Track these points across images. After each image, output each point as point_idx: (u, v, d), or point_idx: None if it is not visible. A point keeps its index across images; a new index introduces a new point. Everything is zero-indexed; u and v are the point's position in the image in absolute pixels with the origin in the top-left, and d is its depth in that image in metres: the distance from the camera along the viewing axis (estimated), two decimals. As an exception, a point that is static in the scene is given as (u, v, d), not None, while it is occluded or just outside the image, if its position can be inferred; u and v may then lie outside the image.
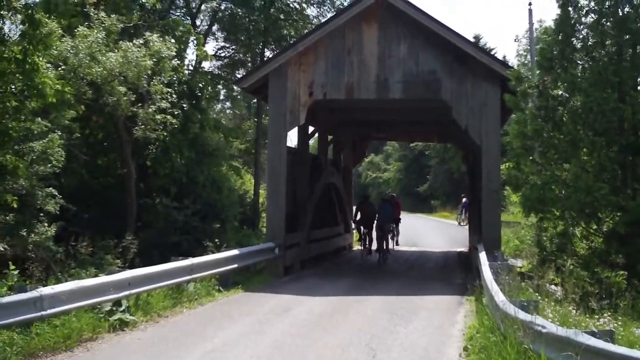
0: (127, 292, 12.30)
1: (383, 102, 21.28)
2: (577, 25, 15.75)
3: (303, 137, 24.19)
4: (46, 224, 15.96)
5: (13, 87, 13.89)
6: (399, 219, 29.88)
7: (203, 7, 32.20)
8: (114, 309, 11.98)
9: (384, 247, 24.49)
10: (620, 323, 10.00)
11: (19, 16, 13.16)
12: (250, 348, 10.71)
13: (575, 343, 7.63)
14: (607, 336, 7.81)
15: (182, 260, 14.77)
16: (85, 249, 16.38)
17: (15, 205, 14.78)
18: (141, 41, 19.19)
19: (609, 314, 10.66)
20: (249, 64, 33.30)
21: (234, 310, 13.91)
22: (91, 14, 18.87)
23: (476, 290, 14.62)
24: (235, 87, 32.51)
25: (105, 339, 11.12)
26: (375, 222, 24.70)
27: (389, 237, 26.18)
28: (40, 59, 13.63)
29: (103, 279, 12.09)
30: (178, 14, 31.10)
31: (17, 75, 13.44)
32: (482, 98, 19.02)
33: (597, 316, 10.49)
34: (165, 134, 20.38)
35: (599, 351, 7.34)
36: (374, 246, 24.79)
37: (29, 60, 13.15)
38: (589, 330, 8.17)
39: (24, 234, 15.27)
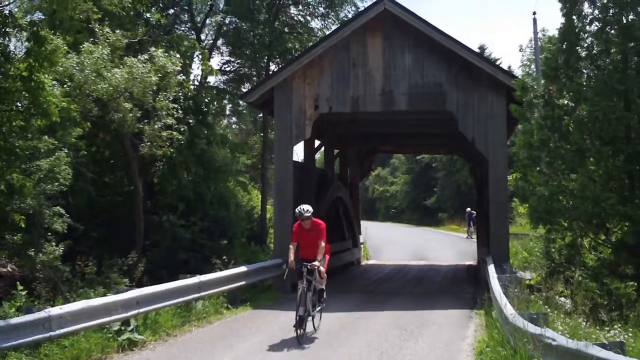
0: (135, 311, 12.24)
1: (389, 114, 21.23)
2: (582, 33, 15.72)
3: (309, 151, 24.14)
4: (54, 244, 15.95)
5: (19, 105, 13.87)
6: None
7: (208, 21, 32.29)
8: (123, 328, 11.91)
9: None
10: (630, 334, 9.95)
11: (24, 33, 13.16)
12: (259, 366, 10.68)
13: (585, 355, 7.55)
14: (617, 348, 7.74)
15: (190, 277, 14.72)
16: (90, 269, 16.34)
17: (22, 225, 14.77)
18: (146, 56, 19.23)
19: (619, 325, 10.62)
20: (255, 78, 33.33)
21: (242, 328, 13.84)
22: (96, 29, 18.96)
23: (485, 303, 14.55)
24: (241, 102, 32.51)
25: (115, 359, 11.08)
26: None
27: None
28: (46, 76, 13.63)
29: (111, 298, 12.04)
30: (183, 28, 31.30)
31: (23, 93, 13.41)
32: (488, 109, 18.94)
33: (607, 328, 10.46)
34: (171, 150, 20.35)
35: (610, 363, 7.27)
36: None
37: (34, 78, 13.14)
38: (600, 342, 8.09)
39: (32, 253, 15.28)
